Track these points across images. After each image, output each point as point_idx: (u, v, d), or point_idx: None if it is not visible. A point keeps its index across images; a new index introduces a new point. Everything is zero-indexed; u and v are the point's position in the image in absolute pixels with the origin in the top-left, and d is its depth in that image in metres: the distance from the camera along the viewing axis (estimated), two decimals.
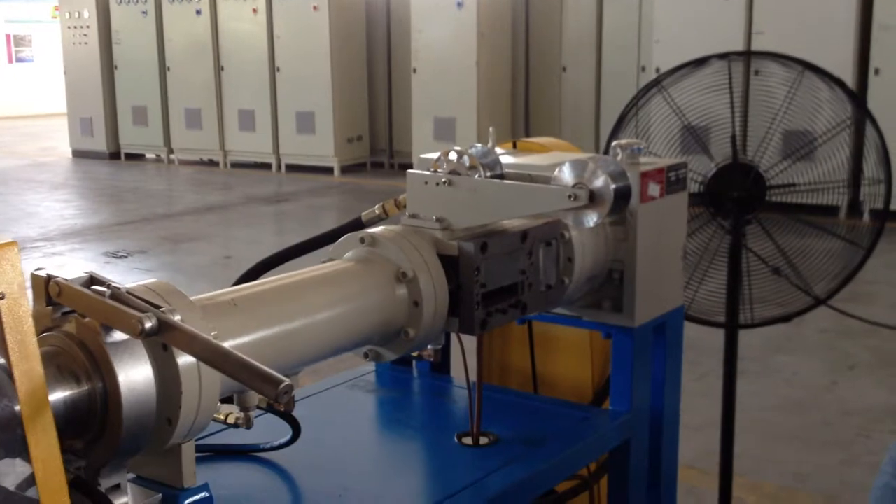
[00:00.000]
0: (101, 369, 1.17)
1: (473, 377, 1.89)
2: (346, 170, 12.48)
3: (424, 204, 1.69)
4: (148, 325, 1.10)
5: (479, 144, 1.79)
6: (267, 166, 13.01)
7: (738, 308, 2.83)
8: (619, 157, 1.95)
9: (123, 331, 1.13)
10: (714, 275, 2.80)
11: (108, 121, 14.39)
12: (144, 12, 13.70)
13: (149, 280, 1.27)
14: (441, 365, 2.29)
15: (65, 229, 9.27)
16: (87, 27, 14.19)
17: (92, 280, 1.19)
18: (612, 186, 1.54)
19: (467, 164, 1.71)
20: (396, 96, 12.59)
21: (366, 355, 1.63)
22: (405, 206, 1.75)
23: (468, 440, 1.87)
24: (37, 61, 23.72)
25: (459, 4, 11.09)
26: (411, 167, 1.75)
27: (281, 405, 1.05)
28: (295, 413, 1.96)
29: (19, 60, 24.04)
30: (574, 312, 2.03)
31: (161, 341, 1.16)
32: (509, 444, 1.85)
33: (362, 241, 1.61)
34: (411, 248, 1.59)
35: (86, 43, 14.25)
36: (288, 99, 12.57)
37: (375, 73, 12.83)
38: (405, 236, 1.62)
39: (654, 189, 1.96)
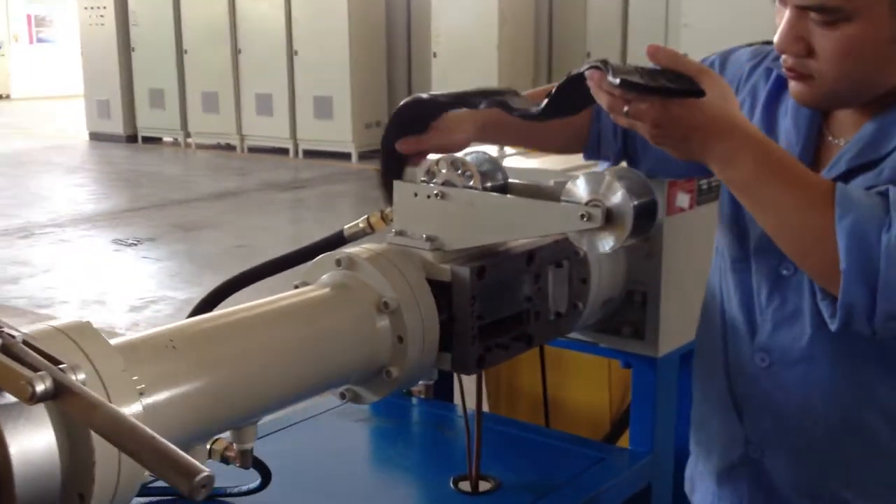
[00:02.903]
0: None
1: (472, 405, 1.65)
2: (363, 156, 12.19)
3: (413, 219, 1.44)
4: (40, 387, 0.86)
5: (481, 149, 1.54)
6: (284, 151, 12.76)
7: None
8: None
9: (11, 393, 0.89)
10: None
11: (124, 103, 14.17)
12: None
13: (62, 321, 1.04)
14: (442, 388, 2.06)
15: (76, 215, 9.08)
16: (104, 8, 13.96)
17: None
18: (633, 203, 1.28)
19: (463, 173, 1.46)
20: (416, 81, 12.28)
21: (342, 396, 1.40)
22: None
23: (465, 485, 1.63)
24: (58, 42, 23.48)
25: None
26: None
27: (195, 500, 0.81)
28: (274, 446, 1.74)
29: (40, 41, 23.82)
30: (589, 338, 1.78)
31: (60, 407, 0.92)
32: (512, 492, 1.61)
33: (338, 263, 1.37)
34: (395, 273, 1.35)
35: (102, 24, 14.03)
36: (305, 83, 12.30)
37: (395, 57, 12.53)
38: (389, 258, 1.37)
39: (682, 200, 1.71)
